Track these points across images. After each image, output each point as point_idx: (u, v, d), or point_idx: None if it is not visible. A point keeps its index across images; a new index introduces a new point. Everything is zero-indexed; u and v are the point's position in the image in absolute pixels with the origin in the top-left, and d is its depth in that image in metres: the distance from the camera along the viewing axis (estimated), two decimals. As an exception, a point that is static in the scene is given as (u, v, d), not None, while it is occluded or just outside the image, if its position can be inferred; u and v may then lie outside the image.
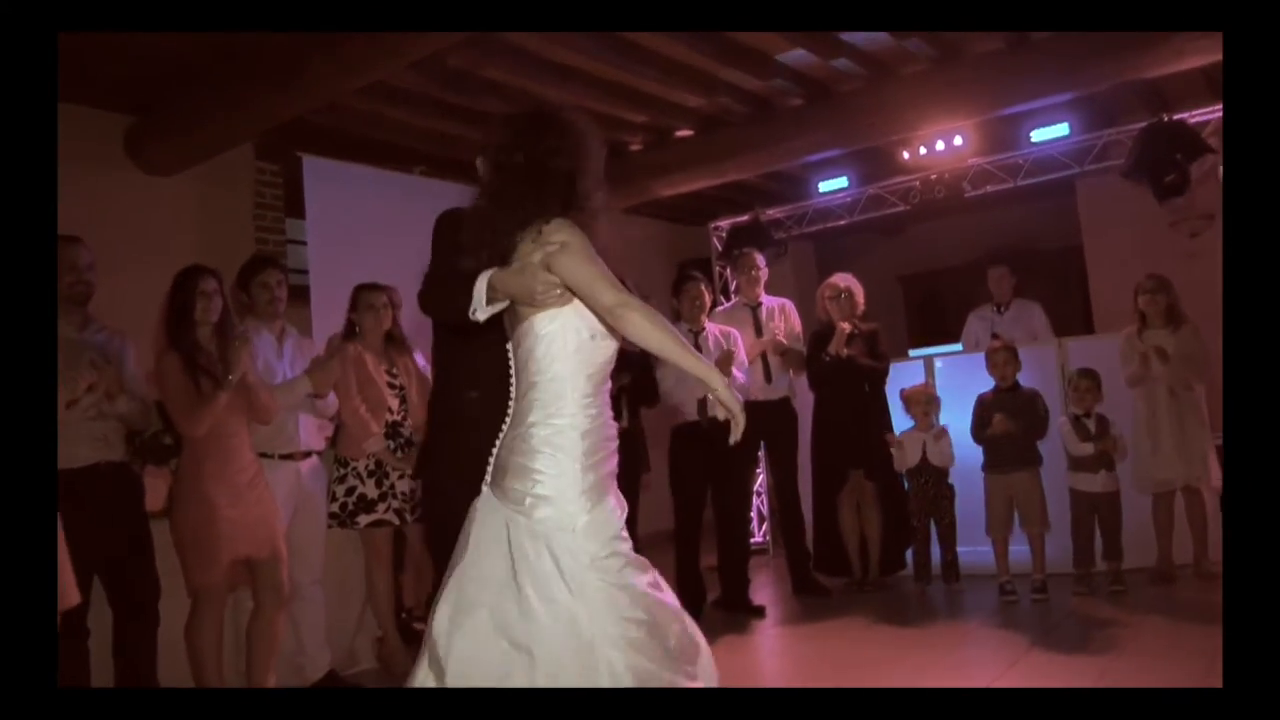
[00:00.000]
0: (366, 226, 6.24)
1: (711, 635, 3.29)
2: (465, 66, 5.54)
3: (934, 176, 6.71)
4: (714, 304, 6.09)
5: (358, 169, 6.34)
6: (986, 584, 5.31)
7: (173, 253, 5.68)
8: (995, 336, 6.30)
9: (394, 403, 4.50)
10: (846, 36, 5.79)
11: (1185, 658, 3.68)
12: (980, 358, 5.51)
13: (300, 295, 5.67)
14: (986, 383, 5.33)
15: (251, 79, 4.89)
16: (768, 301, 5.95)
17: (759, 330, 5.81)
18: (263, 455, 3.95)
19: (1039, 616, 4.74)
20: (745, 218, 7.61)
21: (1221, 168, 5.62)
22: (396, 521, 4.43)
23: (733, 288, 7.53)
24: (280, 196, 6.37)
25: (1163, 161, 5.49)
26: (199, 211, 5.91)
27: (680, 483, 5.39)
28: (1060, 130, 6.24)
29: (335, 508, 4.36)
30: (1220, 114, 5.74)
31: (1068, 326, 8.47)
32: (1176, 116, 5.72)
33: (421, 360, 4.89)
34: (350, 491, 4.36)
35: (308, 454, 4.25)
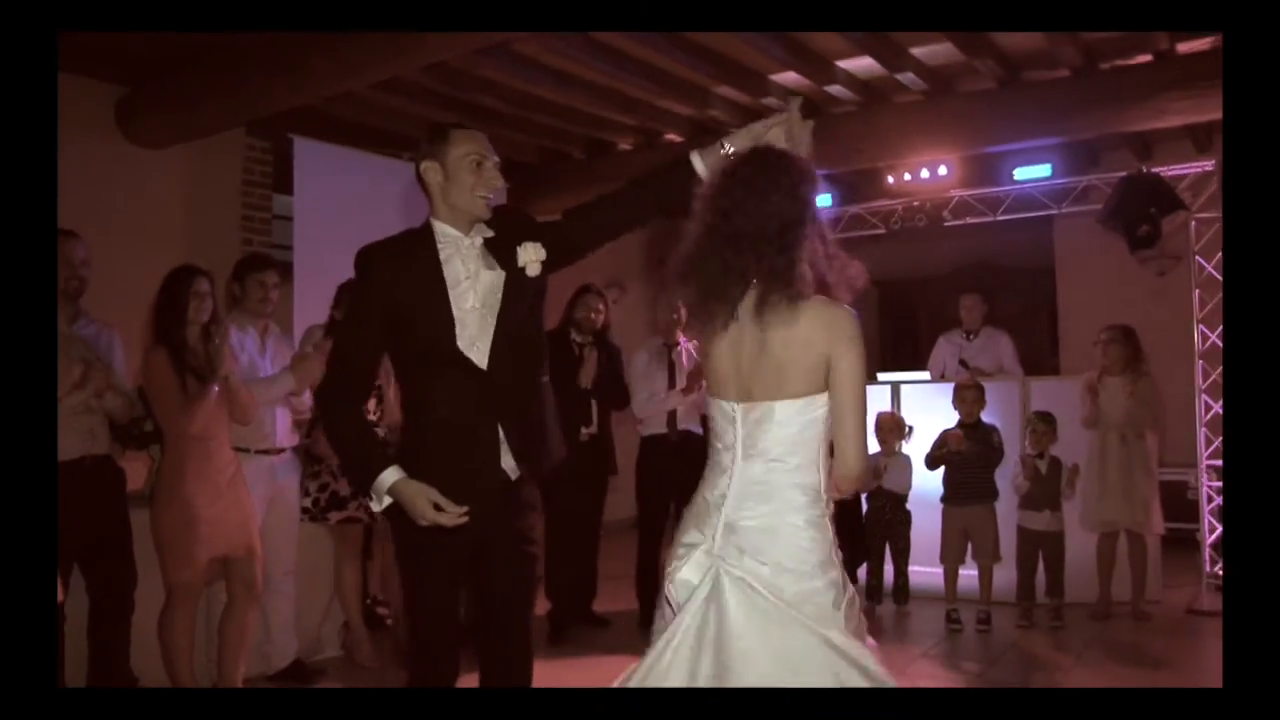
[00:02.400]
0: (353, 210, 6.27)
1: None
2: (462, 65, 5.57)
3: (916, 203, 6.84)
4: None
5: (347, 152, 6.37)
6: (933, 606, 5.50)
7: (159, 225, 5.72)
8: (963, 363, 6.49)
9: (371, 403, 4.57)
10: (842, 64, 5.88)
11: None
12: (945, 387, 5.67)
13: (284, 272, 5.71)
14: (949, 410, 5.48)
15: (250, 67, 4.91)
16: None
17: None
18: (239, 450, 4.02)
19: (982, 647, 4.94)
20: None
21: (1193, 222, 5.81)
22: (366, 519, 4.54)
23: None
24: (269, 173, 6.39)
25: (1137, 214, 5.64)
26: (187, 184, 5.92)
27: (646, 491, 5.52)
28: (1043, 171, 6.39)
29: (308, 503, 4.47)
30: (1198, 170, 5.91)
31: (1036, 346, 8.70)
32: (1155, 169, 5.86)
33: None
34: (323, 488, 4.47)
35: (282, 450, 4.33)
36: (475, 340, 2.45)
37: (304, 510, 4.48)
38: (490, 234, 2.54)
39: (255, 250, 5.92)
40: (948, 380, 6.03)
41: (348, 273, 5.00)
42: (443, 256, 2.48)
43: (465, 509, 2.30)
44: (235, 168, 6.21)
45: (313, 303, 5.72)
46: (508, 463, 2.50)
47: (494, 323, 2.46)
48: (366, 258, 2.50)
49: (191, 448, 3.71)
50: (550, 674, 4.53)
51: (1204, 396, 5.90)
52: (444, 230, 2.52)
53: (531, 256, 2.51)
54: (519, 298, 2.51)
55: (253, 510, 3.94)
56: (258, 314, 4.30)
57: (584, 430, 5.23)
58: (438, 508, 2.29)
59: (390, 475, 2.34)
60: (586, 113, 6.66)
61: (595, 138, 7.26)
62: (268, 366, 4.28)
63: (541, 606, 5.29)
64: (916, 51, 5.70)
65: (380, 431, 4.60)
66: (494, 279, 2.49)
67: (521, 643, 2.60)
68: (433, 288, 2.43)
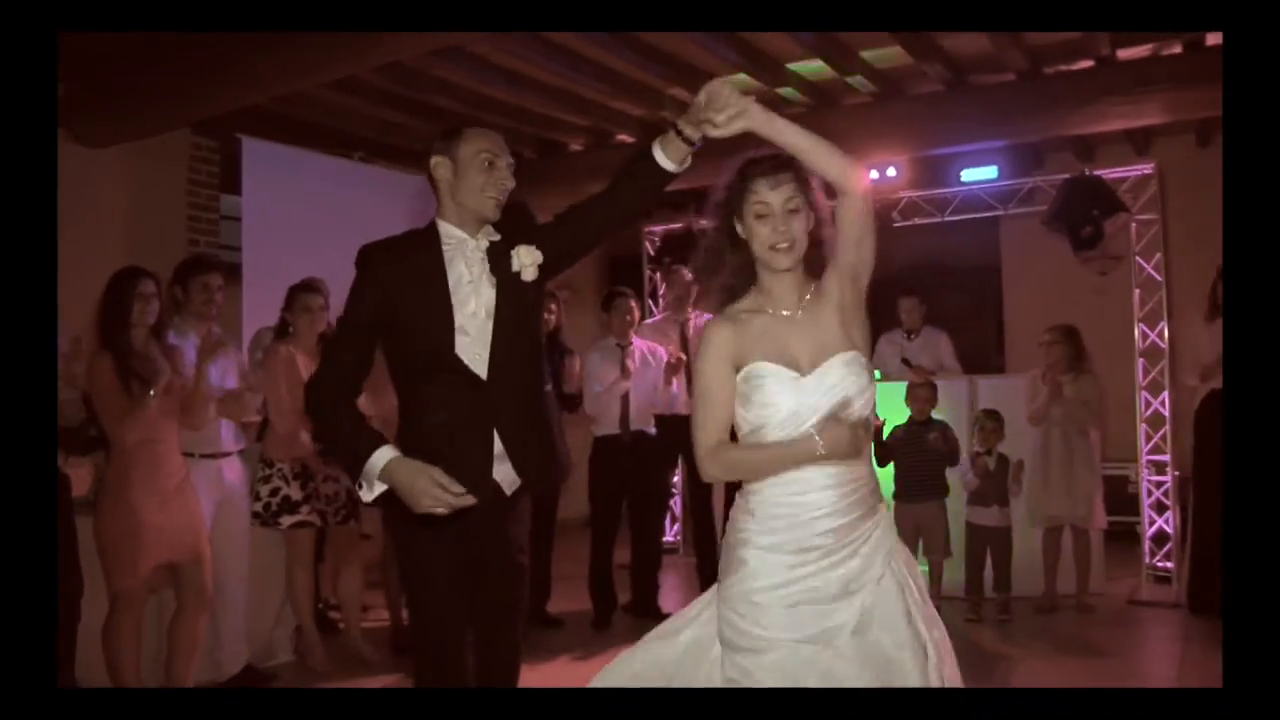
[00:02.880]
0: (303, 211, 6.22)
1: (622, 640, 3.43)
2: (416, 65, 5.54)
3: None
4: (643, 316, 6.22)
5: (296, 153, 6.29)
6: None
7: (102, 226, 5.61)
8: (905, 362, 6.60)
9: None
10: (793, 66, 5.93)
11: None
12: (890, 387, 5.74)
13: (231, 273, 5.64)
14: (894, 409, 5.55)
15: (199, 67, 4.83)
16: (695, 318, 6.10)
17: (685, 346, 5.96)
18: (185, 454, 3.97)
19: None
20: (679, 225, 7.72)
21: (1134, 224, 5.94)
22: (319, 523, 4.51)
23: (660, 296, 7.67)
24: (216, 173, 6.30)
25: (1081, 215, 5.77)
26: (131, 185, 5.81)
27: (599, 491, 5.54)
28: (989, 172, 6.50)
29: (259, 507, 4.43)
30: (1138, 173, 6.04)
31: (981, 345, 8.83)
32: (1097, 172, 5.99)
33: None
34: (275, 492, 4.43)
35: (229, 454, 4.28)
36: (475, 348, 2.38)
37: (255, 514, 4.44)
38: (497, 237, 2.48)
39: (198, 251, 5.84)
40: (889, 380, 6.10)
41: (297, 274, 5.12)
42: (446, 258, 2.41)
43: (465, 490, 2.17)
44: (181, 168, 6.11)
45: (262, 305, 5.64)
46: (504, 473, 2.43)
47: (493, 330, 2.39)
48: (366, 256, 2.43)
49: (138, 453, 3.66)
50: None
51: (1144, 393, 6.04)
52: (449, 231, 2.45)
53: (526, 260, 2.44)
54: (519, 303, 2.44)
55: (201, 514, 3.90)
56: (202, 317, 4.22)
57: None
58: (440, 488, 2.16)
59: (383, 455, 2.20)
60: (538, 113, 6.65)
61: (547, 138, 7.26)
62: (212, 373, 4.21)
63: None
64: (865, 55, 5.77)
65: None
66: (496, 284, 2.43)
67: (510, 653, 2.56)
68: (434, 291, 2.36)
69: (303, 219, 6.19)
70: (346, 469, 2.23)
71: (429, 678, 2.46)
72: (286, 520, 4.44)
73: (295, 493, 4.44)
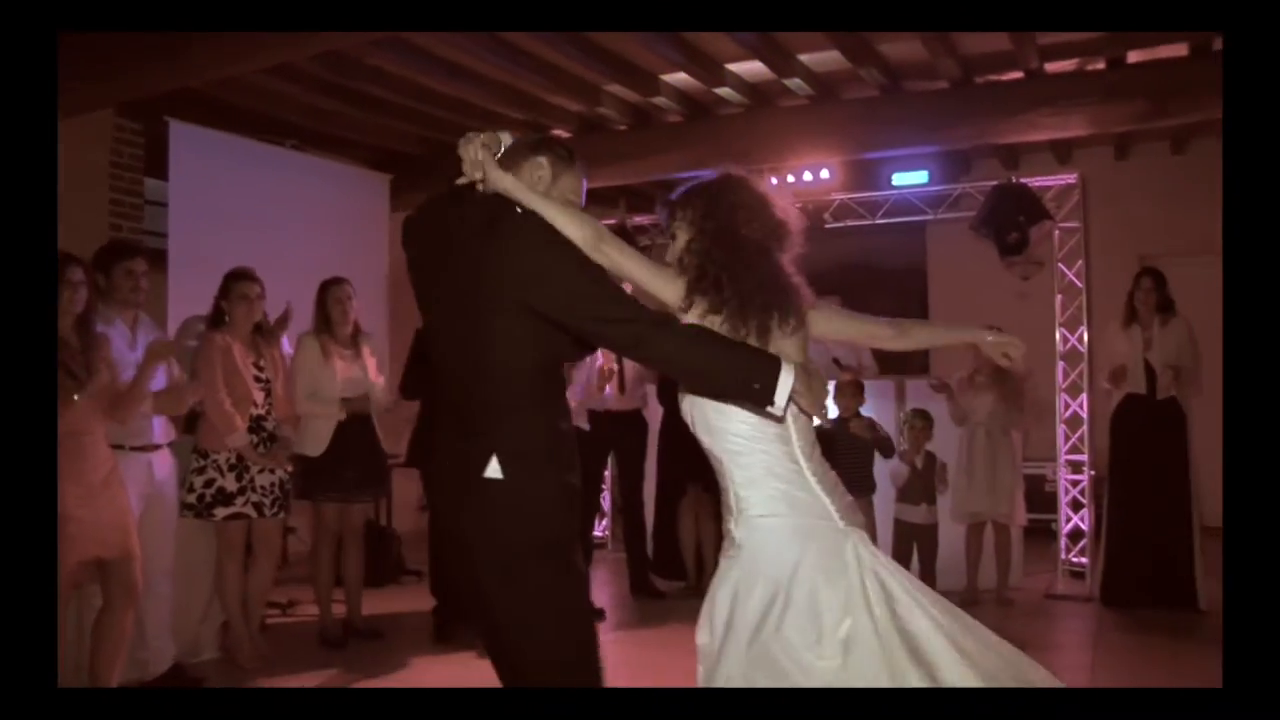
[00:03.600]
0: (232, 197, 6.09)
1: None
2: (353, 53, 5.45)
3: (798, 205, 6.98)
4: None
5: (226, 137, 6.15)
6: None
7: (20, 208, 5.42)
8: (836, 362, 6.74)
9: (259, 396, 4.50)
10: (732, 67, 5.99)
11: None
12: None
13: (157, 260, 5.50)
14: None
15: (128, 50, 4.68)
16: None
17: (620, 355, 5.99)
18: (114, 447, 3.86)
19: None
20: (612, 222, 7.72)
21: (1057, 231, 6.13)
22: (254, 515, 4.44)
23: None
24: (140, 156, 6.12)
25: (1008, 221, 5.93)
26: (51, 166, 5.62)
27: None
28: (920, 177, 6.65)
29: (192, 499, 4.34)
30: (1061, 182, 6.24)
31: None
32: (1023, 180, 6.16)
33: (288, 348, 4.87)
34: (209, 484, 4.35)
35: (159, 446, 4.17)
36: None
37: (188, 506, 4.35)
38: None
39: (120, 237, 5.67)
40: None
41: (225, 262, 5.02)
42: None
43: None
44: (103, 150, 5.93)
45: (188, 292, 5.51)
46: None
47: None
48: None
49: (63, 445, 3.52)
50: (438, 671, 4.52)
51: (1063, 395, 6.24)
52: None
53: None
54: None
55: (129, 509, 3.78)
56: (127, 304, 4.10)
57: None
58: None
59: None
60: (476, 105, 6.60)
61: (481, 131, 7.18)
62: (138, 360, 4.09)
63: (429, 603, 5.26)
64: (804, 58, 5.85)
65: (269, 425, 4.53)
66: None
67: None
68: None
69: (231, 206, 6.05)
70: (753, 385, 2.07)
71: (589, 673, 2.25)
72: (221, 512, 4.36)
73: (230, 484, 4.37)
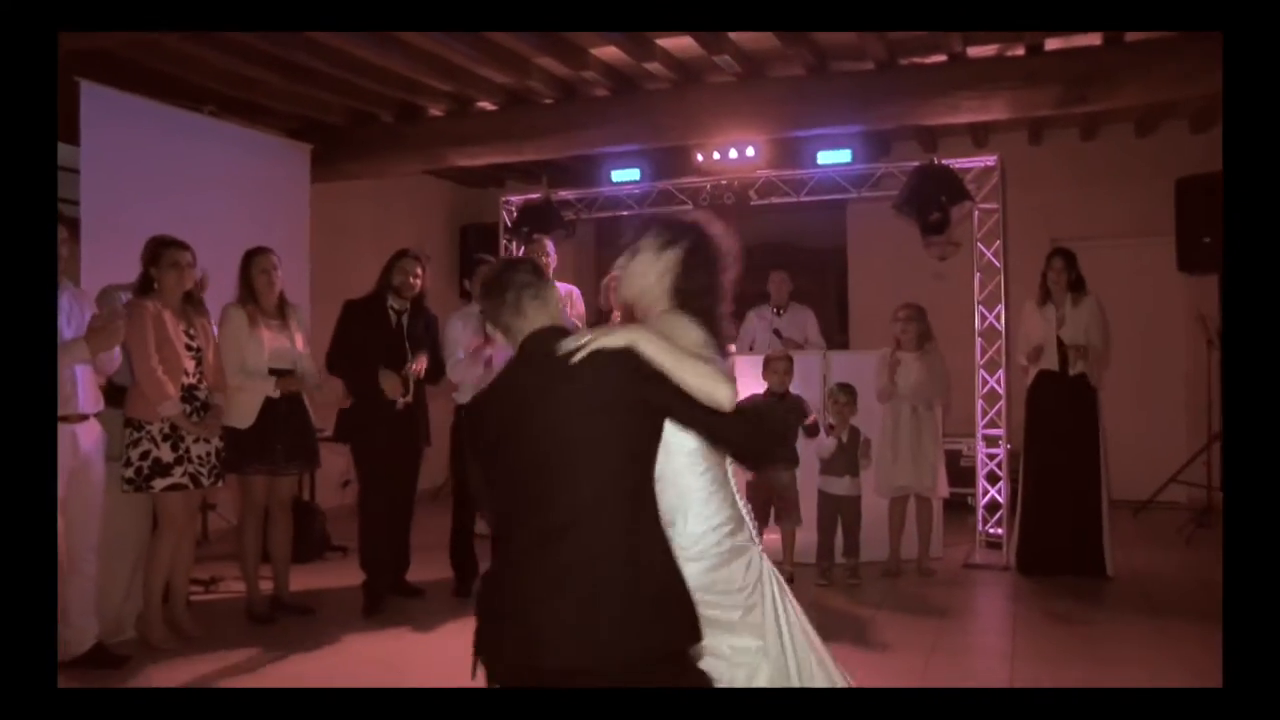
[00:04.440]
0: (147, 163, 5.89)
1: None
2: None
3: (724, 181, 7.06)
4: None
5: (141, 102, 5.93)
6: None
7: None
8: (776, 333, 6.85)
9: (190, 365, 4.40)
10: (662, 41, 5.99)
11: (907, 651, 4.28)
12: (753, 360, 5.92)
13: (69, 227, 5.29)
14: (755, 384, 5.73)
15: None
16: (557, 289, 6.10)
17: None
18: (37, 417, 3.72)
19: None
20: (536, 196, 7.69)
21: (976, 212, 6.30)
22: (191, 485, 4.34)
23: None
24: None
25: (930, 202, 6.08)
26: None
27: (460, 460, 5.49)
28: (843, 156, 6.74)
29: (130, 473, 4.24)
30: (980, 164, 6.41)
31: (826, 322, 9.18)
32: (945, 161, 6.31)
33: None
34: (145, 455, 4.25)
35: (85, 416, 4.03)
36: None
37: (128, 481, 4.25)
38: None
39: (35, 203, 5.45)
40: (756, 353, 6.31)
41: (141, 228, 4.87)
42: None
43: None
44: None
45: (103, 260, 5.34)
46: None
47: None
48: None
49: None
50: (369, 646, 4.48)
51: (981, 372, 6.43)
52: None
53: None
54: None
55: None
56: None
57: (400, 400, 5.13)
58: None
59: None
60: (401, 75, 6.48)
61: (407, 102, 7.08)
62: (63, 325, 3.96)
63: (356, 578, 5.20)
64: (735, 36, 5.88)
65: (201, 394, 4.42)
66: None
67: None
68: None
69: (147, 173, 5.85)
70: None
71: None
72: (159, 484, 4.27)
73: (166, 455, 4.27)
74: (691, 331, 2.32)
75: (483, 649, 2.11)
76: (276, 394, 4.72)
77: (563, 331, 2.22)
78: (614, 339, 2.07)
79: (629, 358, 2.06)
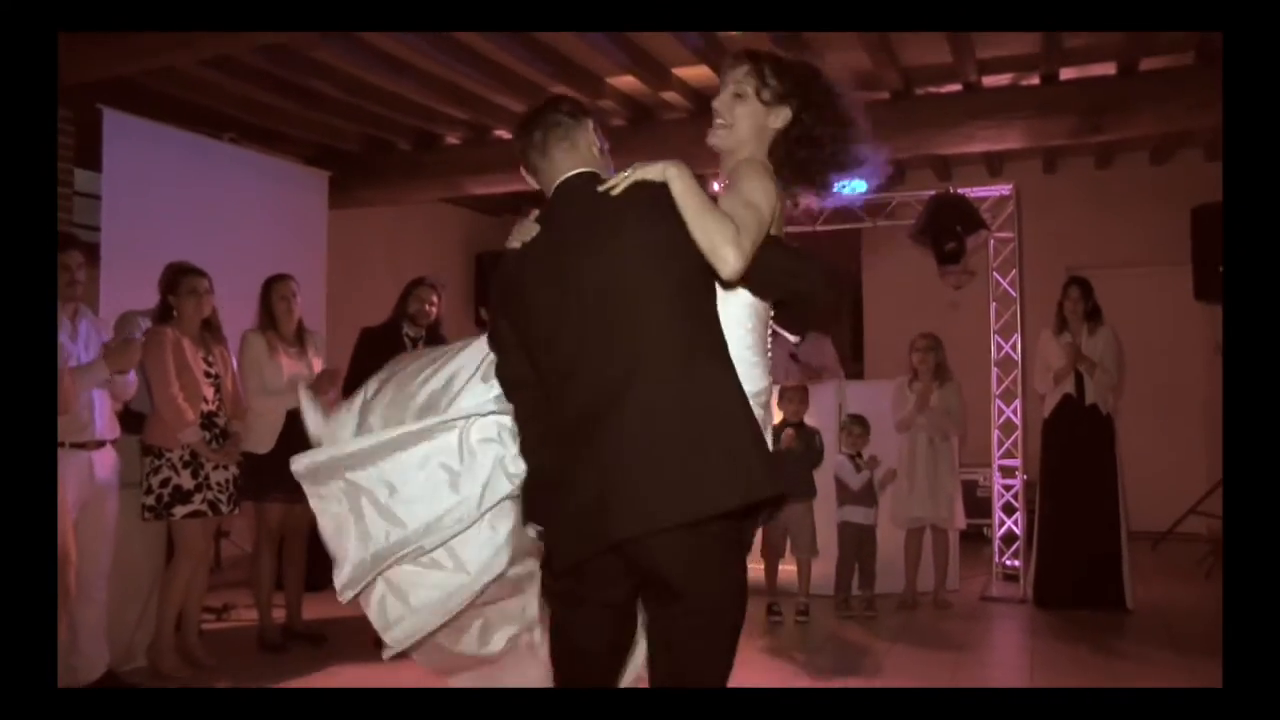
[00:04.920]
0: (167, 189, 5.94)
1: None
2: (297, 46, 5.35)
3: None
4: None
5: (162, 129, 5.99)
6: (754, 600, 5.69)
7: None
8: (794, 357, 6.83)
9: (209, 392, 4.41)
10: (679, 71, 6.02)
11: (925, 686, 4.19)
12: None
13: (88, 253, 5.32)
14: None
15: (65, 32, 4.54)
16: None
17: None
18: (52, 444, 3.72)
19: (803, 638, 5.18)
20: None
21: (992, 241, 6.29)
22: (210, 513, 4.36)
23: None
24: (71, 145, 5.91)
25: (946, 231, 6.07)
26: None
27: None
28: (860, 185, 6.71)
29: (150, 500, 4.25)
30: (996, 193, 6.40)
31: (839, 350, 9.18)
32: (960, 189, 6.31)
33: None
34: (165, 483, 4.26)
35: (102, 443, 4.03)
36: None
37: (148, 509, 4.26)
38: None
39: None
40: (774, 382, 6.28)
41: (161, 255, 4.88)
42: None
43: None
44: (31, 138, 5.72)
45: (122, 286, 5.38)
46: None
47: None
48: None
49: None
50: (385, 677, 4.44)
51: (998, 401, 6.39)
52: None
53: None
54: None
55: (65, 511, 3.66)
56: (64, 299, 3.96)
57: None
58: None
59: None
60: (418, 103, 6.53)
61: (423, 129, 7.13)
62: (80, 352, 3.97)
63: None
64: (750, 65, 5.90)
65: (219, 421, 4.43)
66: None
67: None
68: None
69: (167, 199, 5.91)
70: None
71: None
72: (180, 511, 4.27)
73: (187, 481, 4.28)
74: (756, 182, 2.16)
75: (539, 516, 2.13)
76: (295, 404, 4.71)
77: (596, 177, 2.15)
78: (650, 171, 2.01)
79: (666, 196, 1.99)
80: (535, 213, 2.26)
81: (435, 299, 5.25)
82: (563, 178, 2.16)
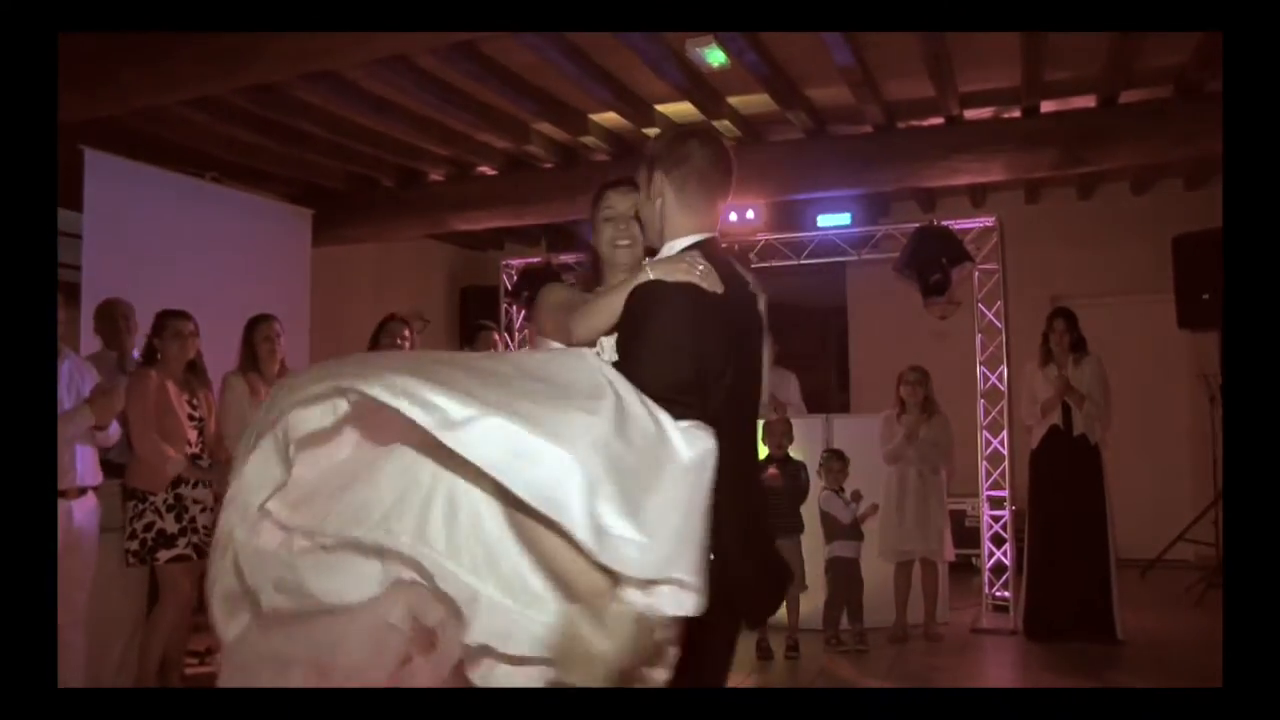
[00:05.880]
0: (149, 230, 5.91)
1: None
2: (279, 85, 5.35)
3: (725, 245, 7.06)
4: (506, 348, 6.18)
5: (143, 168, 5.97)
6: (743, 637, 5.65)
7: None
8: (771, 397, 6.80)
9: (193, 435, 4.38)
10: (661, 107, 6.05)
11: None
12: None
13: (68, 293, 5.29)
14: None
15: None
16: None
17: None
18: (32, 490, 3.67)
19: (793, 674, 5.13)
20: (537, 260, 7.70)
21: (976, 273, 6.31)
22: (195, 556, 4.30)
23: (518, 328, 7.64)
24: (51, 186, 5.89)
25: (930, 263, 6.09)
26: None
27: None
28: (843, 219, 6.78)
29: (134, 545, 4.21)
30: (980, 225, 6.43)
31: (823, 383, 9.19)
32: (944, 221, 6.34)
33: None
34: (149, 527, 4.22)
35: (83, 490, 3.99)
36: None
37: (131, 553, 4.21)
38: None
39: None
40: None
41: (142, 296, 4.84)
42: None
43: None
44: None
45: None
46: None
47: None
48: None
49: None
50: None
51: (984, 432, 6.39)
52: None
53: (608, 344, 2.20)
54: None
55: (43, 557, 3.60)
56: None
57: None
58: None
59: None
60: (402, 141, 6.54)
61: (407, 167, 7.13)
62: (63, 395, 3.93)
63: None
64: (733, 100, 5.94)
65: (204, 464, 4.38)
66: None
67: None
68: None
69: (148, 239, 5.87)
70: None
71: None
72: (164, 555, 4.24)
73: (170, 525, 4.24)
74: None
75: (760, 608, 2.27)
76: None
77: (719, 245, 2.21)
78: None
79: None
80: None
81: (407, 333, 5.21)
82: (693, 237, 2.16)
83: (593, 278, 2.49)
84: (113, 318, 4.90)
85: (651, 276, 1.99)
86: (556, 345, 2.22)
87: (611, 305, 2.05)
